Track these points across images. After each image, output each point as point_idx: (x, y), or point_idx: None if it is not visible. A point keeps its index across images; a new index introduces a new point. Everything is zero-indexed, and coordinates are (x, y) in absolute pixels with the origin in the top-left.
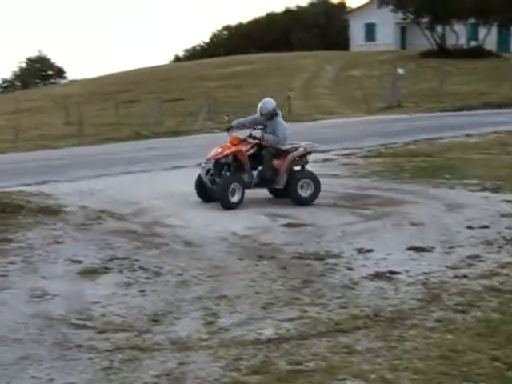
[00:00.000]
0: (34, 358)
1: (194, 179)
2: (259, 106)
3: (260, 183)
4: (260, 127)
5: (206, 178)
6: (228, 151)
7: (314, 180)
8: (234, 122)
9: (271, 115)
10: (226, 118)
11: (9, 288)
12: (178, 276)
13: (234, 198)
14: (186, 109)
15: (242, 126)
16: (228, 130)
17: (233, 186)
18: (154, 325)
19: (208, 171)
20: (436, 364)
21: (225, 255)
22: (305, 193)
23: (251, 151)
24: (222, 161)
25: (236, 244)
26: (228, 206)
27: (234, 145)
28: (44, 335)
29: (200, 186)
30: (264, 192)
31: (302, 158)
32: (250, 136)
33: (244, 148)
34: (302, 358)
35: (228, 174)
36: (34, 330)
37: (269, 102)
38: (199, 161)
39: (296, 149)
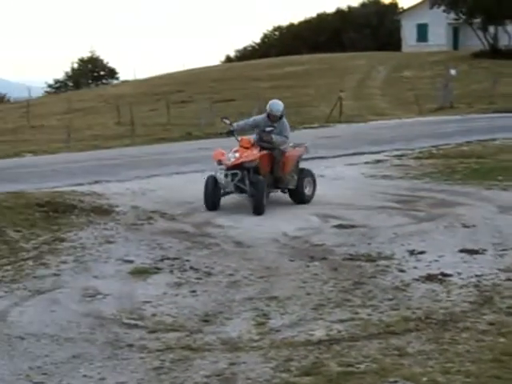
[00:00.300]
0: (85, 356)
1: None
2: (269, 107)
3: (274, 185)
4: (269, 128)
5: (228, 184)
6: (253, 157)
7: (313, 178)
8: (235, 126)
9: (280, 116)
10: (227, 121)
11: (61, 287)
12: (229, 276)
13: (265, 202)
14: (238, 109)
15: (242, 130)
16: (229, 133)
17: (266, 190)
18: (204, 325)
19: (229, 176)
20: (488, 367)
21: (276, 256)
22: (308, 191)
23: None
24: (247, 165)
25: (287, 245)
26: (263, 211)
27: (248, 148)
28: (95, 334)
29: (213, 192)
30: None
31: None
32: (261, 139)
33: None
34: (352, 360)
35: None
36: (85, 329)
37: (279, 104)
38: None
39: (294, 148)
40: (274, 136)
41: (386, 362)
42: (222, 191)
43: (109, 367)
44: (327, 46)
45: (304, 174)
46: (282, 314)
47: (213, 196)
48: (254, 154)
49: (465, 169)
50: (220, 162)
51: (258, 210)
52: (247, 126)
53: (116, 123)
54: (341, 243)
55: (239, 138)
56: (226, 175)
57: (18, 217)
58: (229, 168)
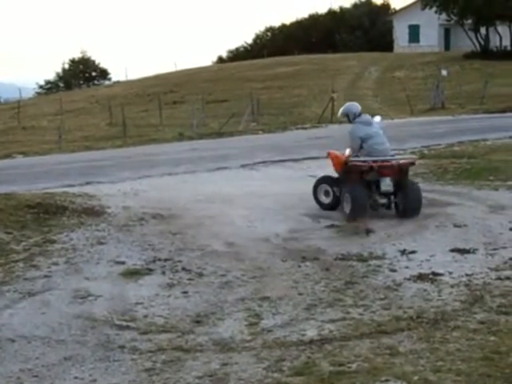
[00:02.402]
0: (76, 358)
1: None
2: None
3: None
4: None
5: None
6: None
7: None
8: None
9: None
10: None
11: (52, 289)
12: (221, 277)
13: None
14: (230, 110)
15: None
16: None
17: None
18: (196, 326)
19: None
20: (479, 366)
21: (268, 256)
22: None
23: None
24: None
25: (279, 245)
26: None
27: None
28: (87, 336)
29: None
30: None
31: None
32: None
33: None
34: (344, 359)
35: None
36: (76, 331)
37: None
38: (243, 162)
39: None
40: None
41: (377, 361)
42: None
43: (100, 369)
44: (319, 47)
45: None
46: (274, 314)
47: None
48: None
49: (456, 169)
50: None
51: None
52: None
53: (107, 124)
54: (332, 243)
55: None
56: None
57: (9, 218)
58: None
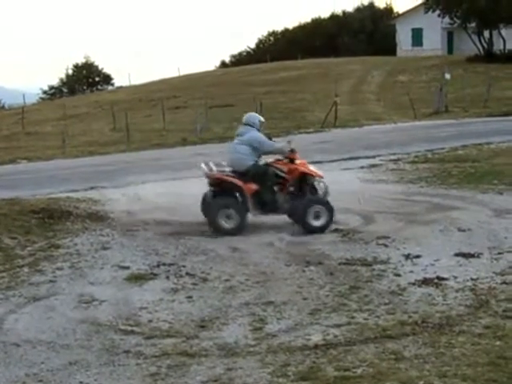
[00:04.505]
0: (81, 363)
1: None
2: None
3: None
4: None
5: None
6: None
7: None
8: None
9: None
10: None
11: (57, 294)
12: (225, 282)
13: None
14: (233, 115)
15: None
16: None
17: None
18: (201, 331)
19: None
20: (484, 370)
21: (272, 261)
22: None
23: None
24: None
25: (283, 250)
26: None
27: None
28: (92, 341)
29: None
30: None
31: None
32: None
33: None
34: (349, 364)
35: None
36: (81, 336)
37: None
38: None
39: None
40: None
41: (382, 366)
42: None
43: (105, 374)
44: (322, 51)
45: None
46: (278, 318)
47: None
48: None
49: (460, 173)
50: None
51: None
52: None
53: (111, 129)
54: (337, 248)
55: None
56: None
57: (14, 223)
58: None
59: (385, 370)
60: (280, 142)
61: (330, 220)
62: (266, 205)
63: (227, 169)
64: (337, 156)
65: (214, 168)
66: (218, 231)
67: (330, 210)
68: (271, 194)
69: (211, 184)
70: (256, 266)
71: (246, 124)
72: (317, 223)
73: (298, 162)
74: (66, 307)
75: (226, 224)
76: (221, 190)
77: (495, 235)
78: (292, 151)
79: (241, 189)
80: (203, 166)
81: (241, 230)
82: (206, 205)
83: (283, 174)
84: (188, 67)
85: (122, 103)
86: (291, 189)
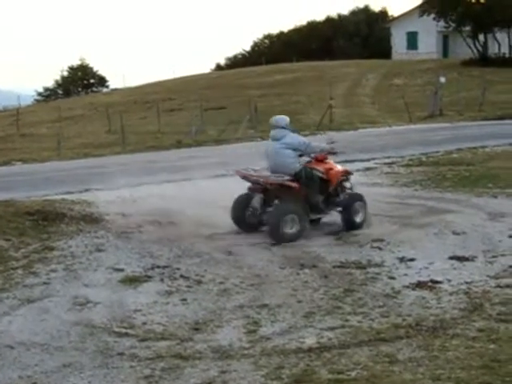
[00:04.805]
0: (75, 365)
1: None
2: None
3: None
4: None
5: None
6: None
7: None
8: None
9: None
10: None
11: (51, 296)
12: (220, 284)
13: None
14: (228, 117)
15: None
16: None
17: None
18: (195, 333)
19: None
20: (478, 374)
21: (266, 264)
22: None
23: None
24: None
25: (277, 252)
26: None
27: None
28: (86, 343)
29: None
30: None
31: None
32: None
33: None
34: (343, 367)
35: None
36: (75, 338)
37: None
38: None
39: None
40: None
41: (376, 369)
42: None
43: (99, 376)
44: (317, 54)
45: None
46: (272, 321)
47: None
48: None
49: (455, 176)
50: None
51: None
52: None
53: (106, 131)
54: (331, 251)
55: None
56: None
57: (8, 225)
58: None
59: (379, 373)
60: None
61: (366, 214)
62: (312, 208)
63: (266, 173)
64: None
65: (254, 173)
66: (281, 240)
67: (365, 204)
68: (317, 196)
69: (257, 190)
70: (250, 268)
71: (279, 127)
72: (358, 219)
73: (326, 161)
74: (60, 309)
75: (290, 230)
76: (271, 196)
77: (489, 238)
78: (332, 150)
79: (299, 193)
80: (244, 171)
81: (301, 235)
82: (252, 212)
83: (323, 176)
84: (183, 69)
85: (117, 105)
86: (330, 189)
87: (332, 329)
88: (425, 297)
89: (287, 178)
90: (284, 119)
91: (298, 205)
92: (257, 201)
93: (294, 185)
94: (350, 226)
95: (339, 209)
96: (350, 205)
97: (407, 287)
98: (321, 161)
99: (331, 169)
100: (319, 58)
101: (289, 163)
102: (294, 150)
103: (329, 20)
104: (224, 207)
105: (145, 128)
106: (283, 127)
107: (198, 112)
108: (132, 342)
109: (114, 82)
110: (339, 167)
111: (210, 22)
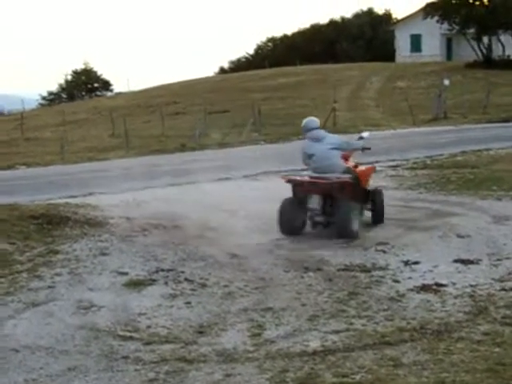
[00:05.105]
0: (80, 369)
1: None
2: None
3: None
4: None
5: None
6: None
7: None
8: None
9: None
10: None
11: (56, 299)
12: (224, 288)
13: None
14: (232, 121)
15: None
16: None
17: None
18: (199, 336)
19: None
20: (483, 377)
21: (270, 267)
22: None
23: None
24: None
25: (281, 255)
26: None
27: None
28: (90, 346)
29: None
30: None
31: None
32: None
33: None
34: (348, 371)
35: None
36: (80, 342)
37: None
38: (245, 172)
39: None
40: None
41: (381, 372)
42: None
43: (104, 379)
44: (321, 57)
45: None
46: (277, 324)
47: None
48: None
49: (459, 179)
50: None
51: None
52: None
53: (110, 135)
54: (335, 254)
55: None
56: None
57: (12, 229)
58: None
59: (383, 377)
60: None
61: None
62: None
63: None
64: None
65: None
66: (350, 236)
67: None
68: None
69: (313, 191)
70: (255, 271)
71: (314, 128)
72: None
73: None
74: (65, 313)
75: (355, 228)
76: (327, 197)
77: (494, 241)
78: (366, 147)
79: (353, 191)
80: (292, 176)
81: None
82: (312, 214)
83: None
84: (187, 73)
85: (121, 109)
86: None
87: (336, 332)
88: (429, 300)
89: (347, 176)
90: (316, 120)
91: (356, 203)
92: (315, 202)
93: (354, 183)
94: (379, 220)
95: (369, 206)
96: (381, 201)
97: (412, 290)
98: (346, 159)
99: (356, 167)
100: (323, 60)
101: (337, 163)
102: (339, 149)
103: (332, 23)
104: (228, 211)
105: (149, 132)
106: (318, 128)
107: (201, 115)
108: (136, 345)
109: (119, 86)
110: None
111: (213, 25)
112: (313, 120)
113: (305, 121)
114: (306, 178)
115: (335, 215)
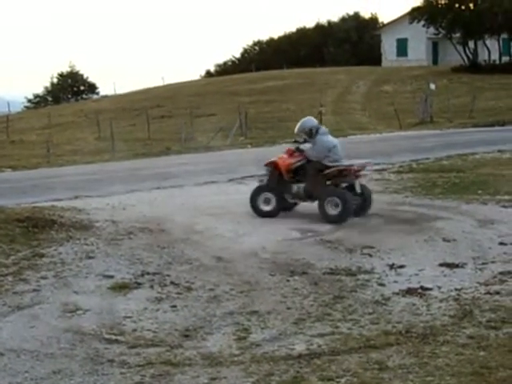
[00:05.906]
0: (65, 372)
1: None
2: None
3: (303, 197)
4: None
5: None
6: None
7: (343, 200)
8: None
9: (309, 134)
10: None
11: (41, 303)
12: (209, 291)
13: (266, 207)
14: (218, 124)
15: None
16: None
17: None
18: (185, 340)
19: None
20: (468, 381)
21: (256, 270)
22: (333, 210)
23: (298, 164)
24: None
25: (267, 259)
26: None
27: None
28: (76, 350)
29: None
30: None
31: (346, 177)
32: (298, 149)
33: (291, 160)
34: (333, 374)
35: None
36: (65, 345)
37: (307, 121)
38: (231, 176)
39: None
40: (306, 150)
41: (366, 376)
42: None
43: (89, 383)
44: (307, 61)
45: (329, 192)
46: (262, 328)
47: None
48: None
49: (445, 183)
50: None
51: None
52: None
53: (96, 138)
54: (321, 257)
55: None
56: None
57: None
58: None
59: (368, 380)
60: None
61: None
62: None
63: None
64: None
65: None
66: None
67: None
68: None
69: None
70: (240, 275)
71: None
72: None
73: None
74: (50, 316)
75: None
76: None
77: (479, 245)
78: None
79: None
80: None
81: None
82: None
83: None
84: (172, 77)
85: (107, 112)
86: None
87: (322, 336)
88: (415, 304)
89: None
90: (314, 119)
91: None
92: (359, 186)
93: None
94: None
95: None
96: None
97: (397, 294)
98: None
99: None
100: (309, 64)
101: None
102: None
103: (319, 27)
104: (214, 214)
105: (134, 135)
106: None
107: (187, 119)
108: (122, 348)
109: (105, 89)
110: None
111: (199, 29)
112: (312, 119)
113: (303, 120)
114: (350, 166)
115: (367, 197)
